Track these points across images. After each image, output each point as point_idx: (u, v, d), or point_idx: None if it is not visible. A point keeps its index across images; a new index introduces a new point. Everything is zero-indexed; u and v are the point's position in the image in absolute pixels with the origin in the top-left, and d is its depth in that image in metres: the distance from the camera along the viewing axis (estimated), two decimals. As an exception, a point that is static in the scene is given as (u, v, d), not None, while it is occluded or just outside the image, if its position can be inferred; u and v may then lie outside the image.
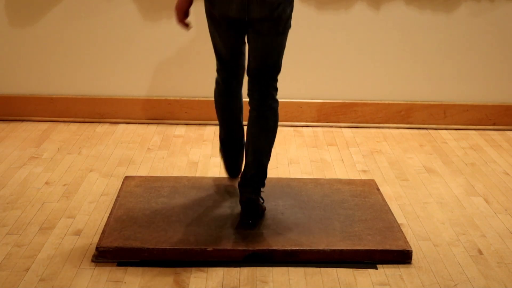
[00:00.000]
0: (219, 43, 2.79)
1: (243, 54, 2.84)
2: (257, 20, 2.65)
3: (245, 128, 2.95)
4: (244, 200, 2.82)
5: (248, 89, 2.82)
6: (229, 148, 3.10)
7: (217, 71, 2.92)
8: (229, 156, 3.13)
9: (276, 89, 2.83)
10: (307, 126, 4.26)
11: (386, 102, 4.27)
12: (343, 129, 4.23)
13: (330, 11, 4.13)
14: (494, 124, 4.29)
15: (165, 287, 2.45)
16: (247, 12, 2.63)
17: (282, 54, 2.78)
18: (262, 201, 2.90)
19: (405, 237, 2.75)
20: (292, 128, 4.21)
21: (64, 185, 3.29)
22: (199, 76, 4.18)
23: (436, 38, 4.18)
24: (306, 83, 4.25)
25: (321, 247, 2.64)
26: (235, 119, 3.02)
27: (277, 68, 2.79)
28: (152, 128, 4.19)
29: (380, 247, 2.66)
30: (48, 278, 2.48)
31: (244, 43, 2.80)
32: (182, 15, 2.72)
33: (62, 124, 4.20)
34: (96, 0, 4.11)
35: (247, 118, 2.86)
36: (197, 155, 3.74)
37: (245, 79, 2.90)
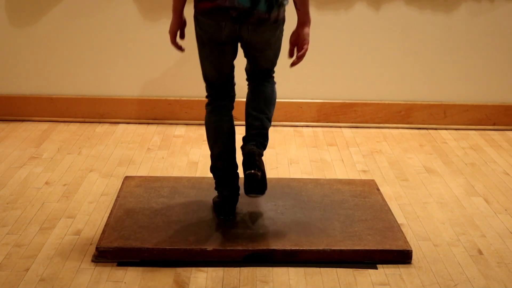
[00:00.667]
0: (210, 67, 2.78)
1: (233, 77, 2.83)
2: (249, 41, 2.69)
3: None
4: (245, 152, 2.74)
5: (246, 79, 2.87)
6: (224, 172, 2.86)
7: (207, 96, 2.87)
8: (224, 182, 2.87)
9: (273, 77, 2.88)
10: (307, 126, 4.26)
11: (386, 102, 4.27)
12: (343, 129, 4.22)
13: (330, 11, 4.13)
14: (494, 124, 4.29)
15: (165, 287, 2.45)
16: (239, 36, 2.66)
17: (277, 59, 2.83)
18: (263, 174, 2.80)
19: (405, 237, 2.74)
20: (292, 128, 4.21)
21: (64, 185, 3.29)
22: (199, 76, 4.14)
23: (436, 38, 4.18)
24: (306, 83, 4.24)
25: (321, 247, 2.64)
26: (228, 139, 2.83)
27: (272, 68, 2.85)
28: (152, 128, 4.18)
29: (380, 247, 2.66)
30: (48, 278, 2.48)
31: (233, 67, 2.80)
32: (173, 37, 2.78)
33: (62, 124, 4.20)
34: (96, 0, 4.11)
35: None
36: (197, 155, 3.74)
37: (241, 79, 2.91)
